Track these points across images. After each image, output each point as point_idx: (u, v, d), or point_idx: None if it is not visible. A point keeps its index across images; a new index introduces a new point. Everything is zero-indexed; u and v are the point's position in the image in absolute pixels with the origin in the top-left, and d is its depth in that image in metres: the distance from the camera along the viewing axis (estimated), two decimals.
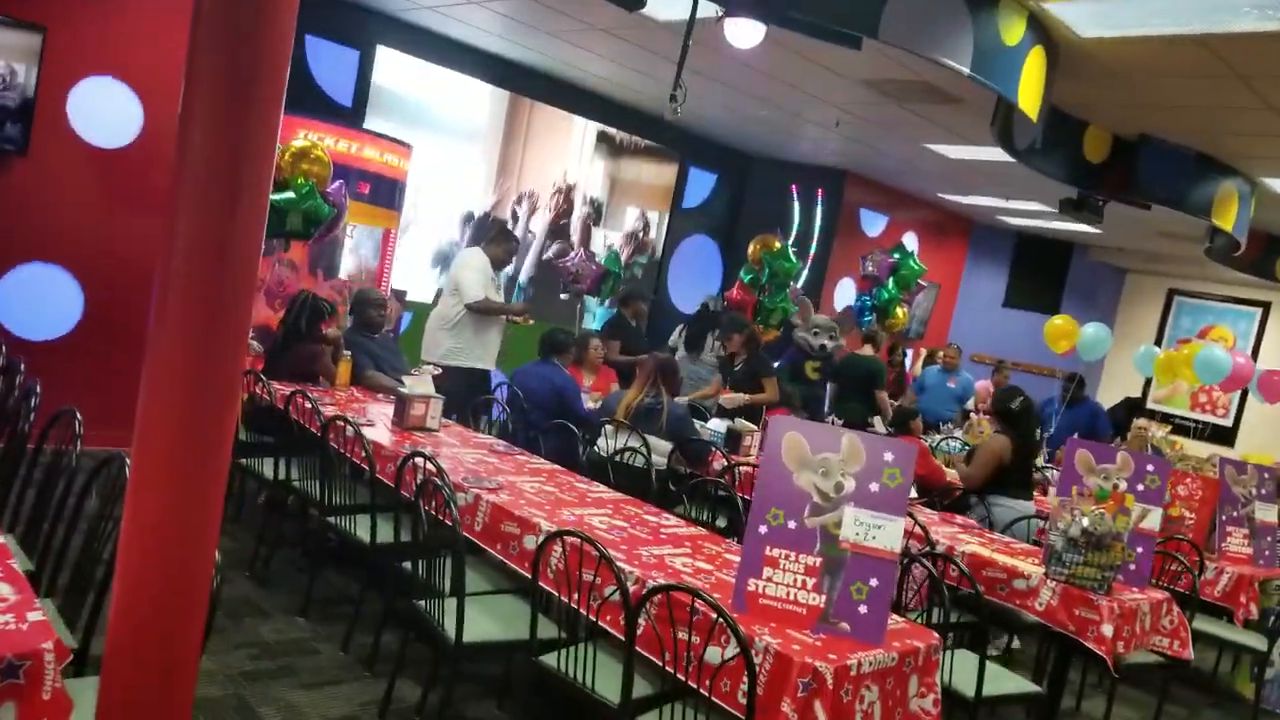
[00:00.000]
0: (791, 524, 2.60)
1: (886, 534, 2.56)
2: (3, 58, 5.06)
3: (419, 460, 3.41)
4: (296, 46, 6.84)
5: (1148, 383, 11.66)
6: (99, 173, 5.52)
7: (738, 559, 3.08)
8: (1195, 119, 5.40)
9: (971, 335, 11.63)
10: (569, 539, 2.76)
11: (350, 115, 7.16)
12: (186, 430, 1.62)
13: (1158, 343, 11.61)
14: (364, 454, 3.65)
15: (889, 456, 2.60)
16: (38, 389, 3.15)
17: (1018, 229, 11.47)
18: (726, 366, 6.92)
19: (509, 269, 7.58)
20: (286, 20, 1.64)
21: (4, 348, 3.97)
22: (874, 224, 10.40)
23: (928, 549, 3.93)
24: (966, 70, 3.99)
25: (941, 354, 9.24)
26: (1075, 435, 8.43)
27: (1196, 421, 11.43)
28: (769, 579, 2.58)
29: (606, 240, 9.13)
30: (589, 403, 5.88)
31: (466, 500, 3.37)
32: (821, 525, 2.59)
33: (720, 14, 4.50)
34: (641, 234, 9.50)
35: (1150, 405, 11.77)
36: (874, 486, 2.58)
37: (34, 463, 3.03)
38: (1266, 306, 11.03)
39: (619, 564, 2.69)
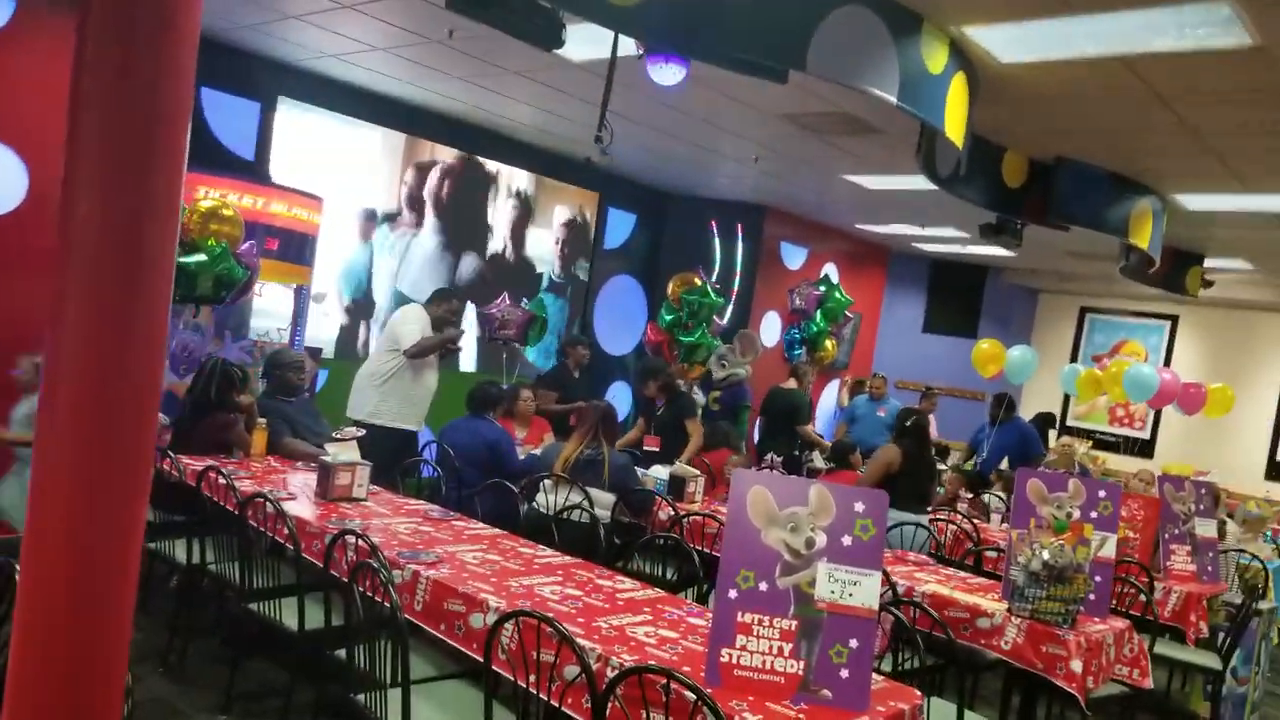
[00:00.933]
0: (763, 585, 2.42)
1: (863, 590, 2.40)
2: None
3: (350, 538, 3.13)
4: (194, 101, 6.53)
5: (1066, 399, 11.93)
6: None
7: (701, 622, 2.91)
8: (1112, 140, 5.49)
9: (894, 362, 11.73)
10: (524, 619, 2.53)
11: (254, 169, 6.85)
12: (85, 527, 1.38)
13: (1073, 359, 11.91)
14: (287, 532, 3.36)
15: (860, 507, 2.45)
16: None
17: (933, 255, 11.67)
18: (649, 410, 6.75)
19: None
20: (186, 65, 1.42)
21: None
22: (795, 257, 10.43)
23: (888, 591, 3.79)
24: (894, 100, 3.95)
25: (868, 383, 9.27)
26: (1006, 457, 8.56)
27: (1115, 435, 11.71)
28: (743, 647, 2.40)
29: (539, 240, 8.87)
30: (522, 455, 5.65)
31: (404, 577, 3.11)
32: (795, 585, 2.42)
33: (641, 52, 4.40)
34: (580, 223, 9.26)
35: (1070, 422, 12.05)
36: (846, 540, 2.43)
37: None
38: (1174, 319, 11.41)
39: (580, 642, 2.47)
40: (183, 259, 4.65)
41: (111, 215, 1.27)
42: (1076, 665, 3.39)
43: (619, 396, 10.01)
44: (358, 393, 5.87)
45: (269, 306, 6.40)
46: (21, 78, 5.06)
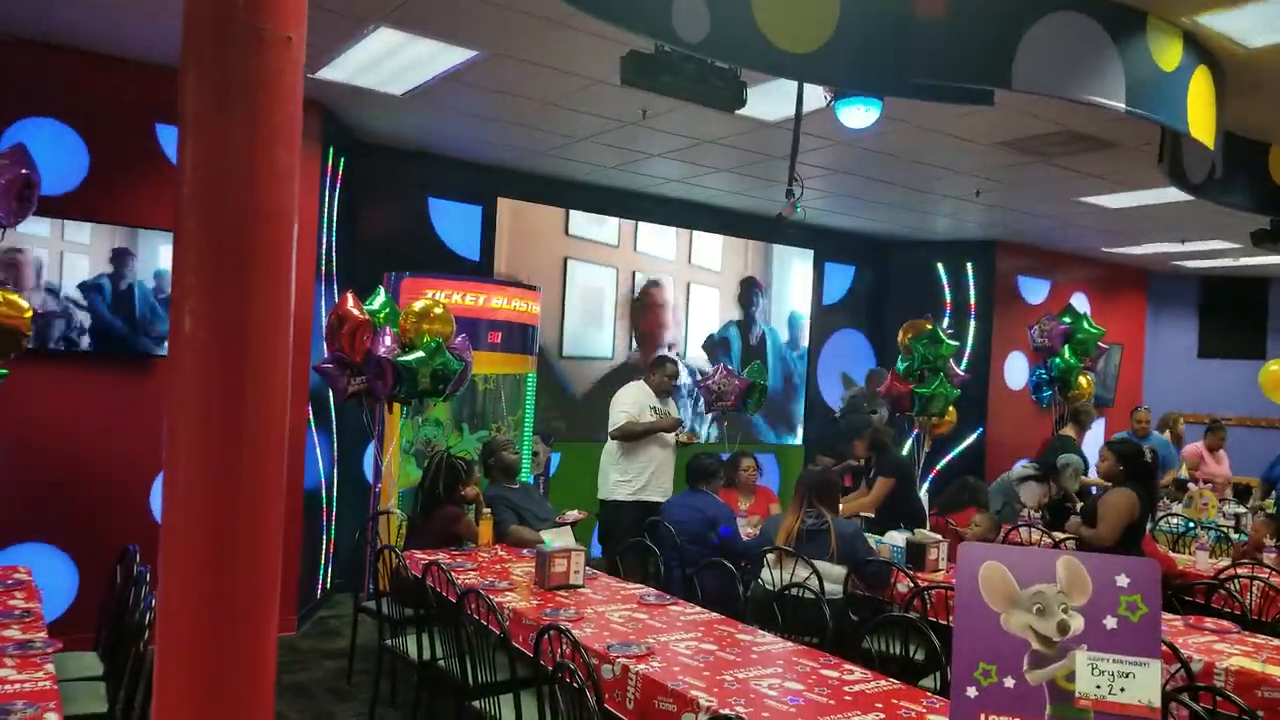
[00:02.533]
0: (1009, 682, 2.05)
1: (1139, 683, 1.97)
2: (145, 263, 5.28)
3: (554, 632, 3.04)
4: (421, 210, 7.00)
5: None
6: None
7: None
8: None
9: (1166, 394, 10.48)
10: None
11: (479, 268, 7.23)
12: (213, 670, 1.33)
13: None
14: (499, 625, 3.32)
15: (1123, 581, 2.03)
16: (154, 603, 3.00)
17: (1200, 272, 10.40)
18: (861, 473, 6.32)
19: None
20: (285, 191, 1.40)
21: (138, 555, 3.92)
22: (1035, 291, 9.63)
23: (1180, 670, 3.19)
24: (1123, 107, 3.48)
25: (1134, 418, 8.23)
26: None
27: None
28: None
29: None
30: (746, 528, 5.41)
31: (614, 672, 2.96)
32: (1049, 680, 2.03)
33: (829, 99, 4.19)
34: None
35: None
36: (1110, 622, 2.02)
37: None
38: None
39: None
40: (403, 358, 4.89)
41: (217, 329, 1.24)
42: None
43: None
44: (601, 473, 6.10)
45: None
46: None
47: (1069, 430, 7.39)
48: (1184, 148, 4.64)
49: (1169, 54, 3.66)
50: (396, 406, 5.84)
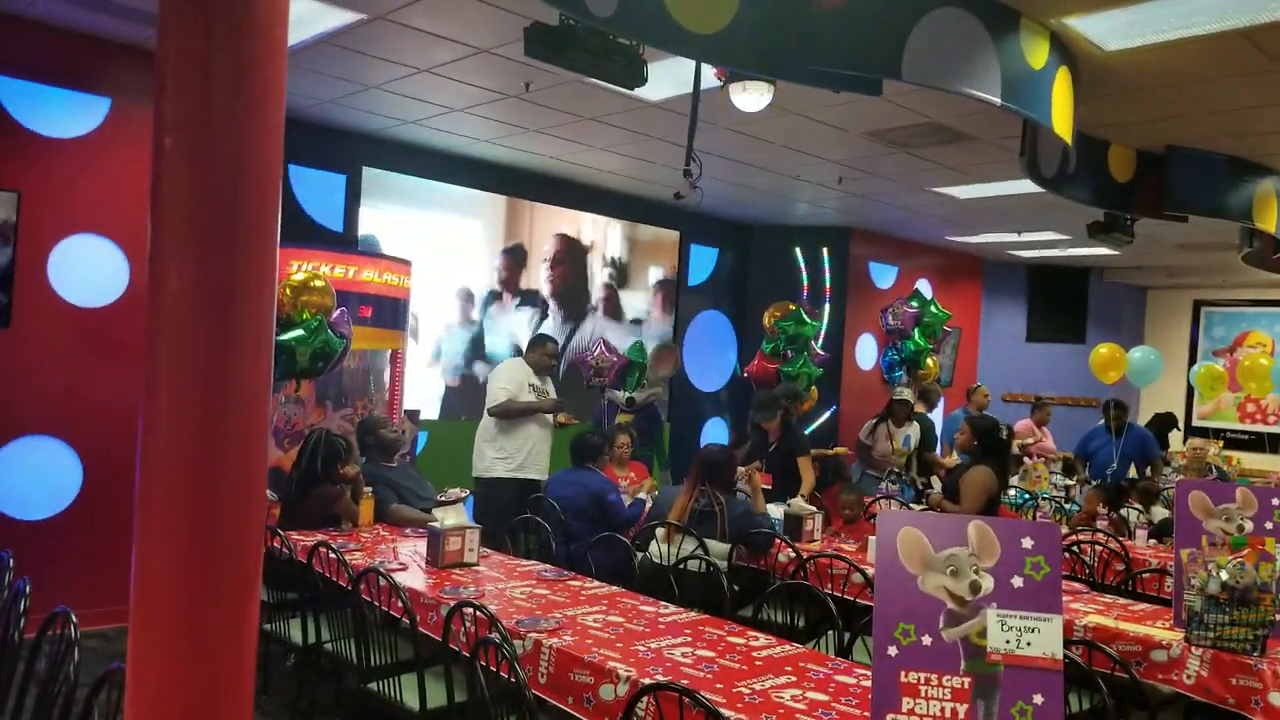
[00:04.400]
0: (926, 639, 2.18)
1: (1043, 637, 2.14)
2: None
3: (468, 610, 2.99)
4: (283, 177, 6.64)
5: (1189, 399, 11.24)
6: (87, 335, 5.20)
7: (850, 680, 2.67)
8: (1225, 122, 5.13)
9: (998, 374, 11.25)
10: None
11: (342, 240, 6.93)
12: (195, 619, 1.25)
13: (1191, 356, 11.25)
14: (402, 606, 3.24)
15: (1028, 543, 2.19)
16: (27, 589, 2.76)
17: (1029, 261, 11.19)
18: (760, 446, 6.41)
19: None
20: (273, 127, 1.31)
21: None
22: (885, 276, 10.11)
23: None
24: (998, 100, 3.71)
25: (969, 397, 8.83)
26: (1131, 464, 8.05)
27: (1248, 433, 10.96)
28: (910, 711, 2.15)
29: (632, 304, 8.82)
30: (627, 500, 5.47)
31: (525, 648, 2.95)
32: (963, 637, 2.17)
33: (723, 81, 4.26)
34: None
35: (1196, 422, 11.34)
36: (1017, 581, 2.17)
37: (28, 673, 2.63)
38: None
39: (725, 713, 2.27)
40: (281, 336, 4.64)
41: (203, 289, 1.15)
42: (1276, 698, 3.02)
43: (713, 433, 9.79)
44: (475, 448, 6.03)
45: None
46: (120, 173, 5.18)
47: (919, 408, 7.84)
48: (1040, 143, 4.98)
49: (1038, 52, 3.92)
50: None
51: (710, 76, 4.26)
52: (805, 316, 7.79)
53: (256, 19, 1.21)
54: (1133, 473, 7.90)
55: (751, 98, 4.11)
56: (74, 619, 2.50)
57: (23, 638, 2.72)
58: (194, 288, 1.17)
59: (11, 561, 3.29)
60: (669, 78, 4.83)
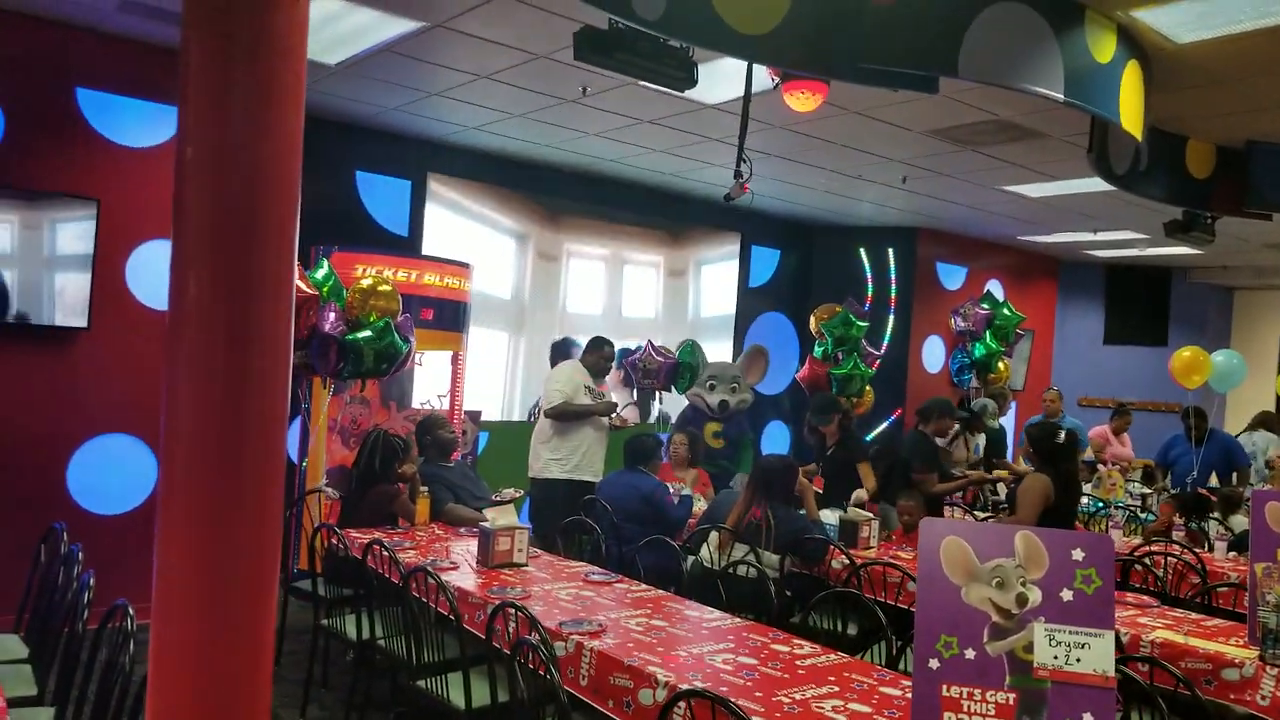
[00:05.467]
0: (969, 653, 2.11)
1: (1094, 653, 2.05)
2: (61, 235, 5.02)
3: (510, 610, 3.01)
4: (348, 183, 6.75)
5: (1279, 405, 10.72)
6: (163, 337, 5.38)
7: (895, 692, 2.61)
8: None
9: (1074, 378, 10.91)
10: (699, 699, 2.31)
11: (407, 244, 7.07)
12: (212, 627, 1.28)
13: None
14: (449, 604, 3.27)
15: (1079, 555, 2.11)
16: (91, 583, 2.86)
17: (1107, 261, 10.83)
18: (819, 453, 6.33)
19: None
20: (290, 153, 1.33)
21: (65, 533, 3.73)
22: (953, 277, 9.90)
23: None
24: (1061, 96, 3.59)
25: (1043, 401, 8.55)
26: (1214, 473, 7.70)
27: None
28: None
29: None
30: (675, 497, 5.42)
31: (567, 649, 2.95)
32: (1008, 651, 2.10)
33: (776, 82, 4.21)
34: None
35: None
36: (1066, 595, 2.09)
37: (91, 662, 2.74)
38: None
39: None
40: (350, 336, 4.75)
41: (222, 294, 1.17)
42: None
43: (775, 436, 9.70)
44: (531, 450, 6.05)
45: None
46: None
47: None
48: (1110, 139, 4.81)
49: (1104, 46, 3.78)
50: (322, 383, 5.68)
51: (764, 77, 4.21)
52: (853, 317, 7.64)
53: (276, 30, 1.23)
54: (1214, 481, 7.56)
55: (804, 99, 4.05)
56: (131, 612, 2.59)
57: (85, 629, 2.83)
58: (212, 291, 1.19)
59: (81, 555, 3.43)
60: (725, 80, 4.81)
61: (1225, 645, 3.33)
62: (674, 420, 7.31)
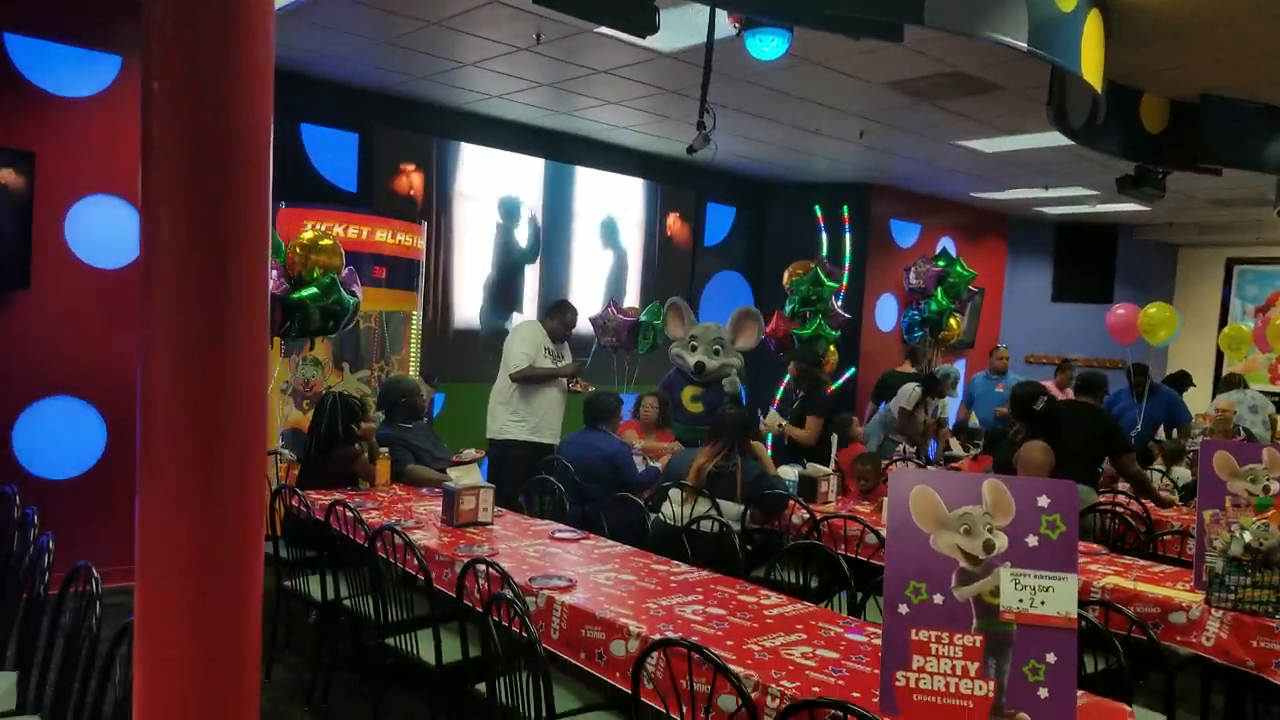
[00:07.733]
0: (938, 598, 2.14)
1: (1058, 596, 2.09)
2: None
3: (480, 567, 2.99)
4: (294, 136, 6.53)
5: (1218, 360, 11.04)
6: (106, 295, 5.21)
7: (861, 638, 2.65)
8: (1261, 68, 4.95)
9: (1024, 335, 11.10)
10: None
11: (357, 200, 6.89)
12: (200, 580, 1.24)
13: (1224, 317, 11.04)
14: (417, 563, 3.24)
15: (1044, 501, 2.14)
16: (50, 545, 2.78)
17: (1056, 218, 10.98)
18: (789, 399, 6.47)
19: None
20: (261, 88, 1.27)
21: (17, 497, 3.62)
22: (907, 234, 9.96)
23: None
24: (1025, 45, 3.58)
25: (990, 358, 8.69)
26: (1159, 427, 7.91)
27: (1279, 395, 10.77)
28: (920, 669, 2.12)
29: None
30: (641, 465, 5.44)
31: (538, 605, 2.94)
32: (975, 595, 2.13)
33: (737, 29, 4.15)
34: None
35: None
36: (1031, 540, 2.13)
37: (54, 626, 2.67)
38: None
39: (734, 669, 2.25)
40: (295, 295, 4.63)
41: (196, 236, 1.12)
42: None
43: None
44: (490, 410, 5.97)
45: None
46: (134, 132, 5.15)
47: (906, 366, 7.79)
48: (1069, 91, 4.84)
49: None
50: (276, 344, 5.55)
51: (725, 25, 4.15)
52: (824, 276, 7.65)
53: None
54: (1160, 435, 7.78)
55: (767, 46, 4.00)
56: (95, 574, 2.52)
57: (47, 593, 2.75)
58: (187, 235, 1.14)
59: (36, 519, 3.33)
60: (683, 26, 4.72)
61: (1172, 590, 3.43)
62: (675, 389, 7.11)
